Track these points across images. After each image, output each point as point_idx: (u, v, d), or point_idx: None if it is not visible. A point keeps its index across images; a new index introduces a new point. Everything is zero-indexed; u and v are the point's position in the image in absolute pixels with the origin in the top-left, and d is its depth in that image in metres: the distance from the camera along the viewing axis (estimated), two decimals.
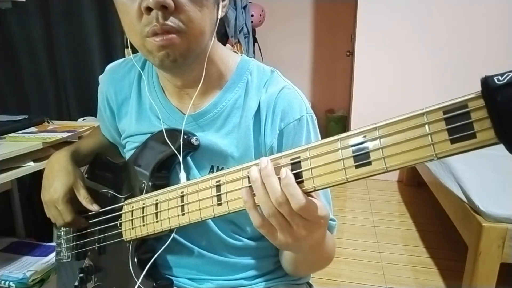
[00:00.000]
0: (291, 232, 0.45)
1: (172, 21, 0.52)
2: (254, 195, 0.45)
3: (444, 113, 0.34)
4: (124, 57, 0.85)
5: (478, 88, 0.32)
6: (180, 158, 0.62)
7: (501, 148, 0.32)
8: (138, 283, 0.61)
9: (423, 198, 2.62)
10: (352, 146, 0.40)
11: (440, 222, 2.25)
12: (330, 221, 0.66)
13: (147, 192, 0.64)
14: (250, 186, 0.45)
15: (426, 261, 1.91)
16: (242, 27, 3.05)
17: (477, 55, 2.70)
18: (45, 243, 1.38)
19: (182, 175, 0.62)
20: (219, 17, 0.60)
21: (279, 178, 0.43)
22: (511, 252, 1.40)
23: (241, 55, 0.70)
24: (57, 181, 0.69)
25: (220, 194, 0.50)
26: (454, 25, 2.71)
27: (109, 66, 0.76)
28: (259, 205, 0.45)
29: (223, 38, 2.94)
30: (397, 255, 1.97)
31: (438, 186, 2.03)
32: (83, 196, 0.70)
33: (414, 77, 2.85)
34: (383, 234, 2.18)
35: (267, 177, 0.43)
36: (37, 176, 0.74)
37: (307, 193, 0.43)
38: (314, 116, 0.67)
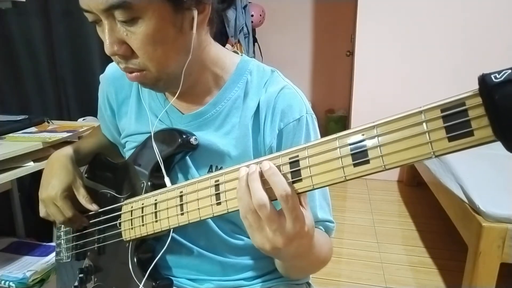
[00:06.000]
0: (267, 238, 0.44)
1: (133, 64, 0.55)
2: None
3: (442, 111, 0.34)
4: None
5: (477, 86, 0.32)
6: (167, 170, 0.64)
7: (501, 147, 0.31)
8: (141, 286, 0.61)
9: (423, 198, 2.62)
10: (350, 144, 0.40)
11: (440, 222, 2.25)
12: (328, 223, 0.66)
13: (146, 191, 0.64)
14: None
15: (426, 261, 1.91)
16: (242, 27, 3.05)
17: (477, 54, 2.69)
18: (45, 243, 1.39)
19: (166, 179, 0.63)
20: (194, 32, 0.55)
21: (263, 180, 0.43)
22: (511, 252, 1.40)
23: (241, 55, 0.70)
24: (56, 178, 0.69)
25: (219, 193, 0.50)
26: (454, 25, 2.70)
27: (110, 65, 0.75)
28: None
29: (223, 38, 2.93)
30: (397, 255, 1.97)
31: (438, 186, 2.03)
32: (82, 195, 0.69)
33: (414, 77, 2.85)
34: (383, 234, 2.18)
35: (252, 182, 0.43)
36: (37, 176, 0.74)
37: (304, 192, 0.43)
38: (314, 116, 0.66)
